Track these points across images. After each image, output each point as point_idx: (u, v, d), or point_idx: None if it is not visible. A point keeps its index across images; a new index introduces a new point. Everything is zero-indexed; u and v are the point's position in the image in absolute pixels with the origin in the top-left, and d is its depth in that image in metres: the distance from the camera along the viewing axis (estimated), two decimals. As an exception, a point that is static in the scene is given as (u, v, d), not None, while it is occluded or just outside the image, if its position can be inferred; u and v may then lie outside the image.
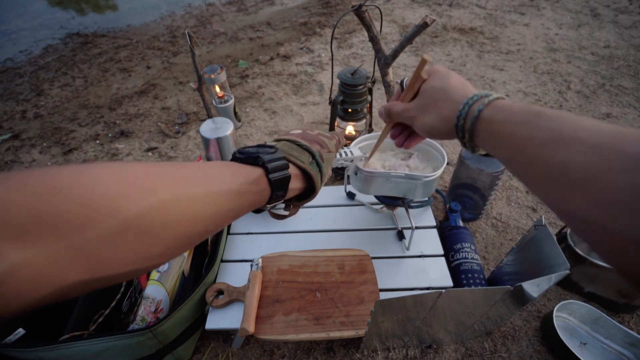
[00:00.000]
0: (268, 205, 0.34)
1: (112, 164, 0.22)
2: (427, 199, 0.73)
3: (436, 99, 0.34)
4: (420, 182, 0.56)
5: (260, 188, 0.31)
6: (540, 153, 0.23)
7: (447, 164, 0.81)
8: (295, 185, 0.35)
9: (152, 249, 0.22)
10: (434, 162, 0.62)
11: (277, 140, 0.39)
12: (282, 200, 0.35)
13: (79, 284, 0.18)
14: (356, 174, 0.57)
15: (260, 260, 0.61)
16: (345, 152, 0.51)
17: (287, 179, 0.33)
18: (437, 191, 0.78)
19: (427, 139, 0.61)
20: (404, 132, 0.44)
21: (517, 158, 0.25)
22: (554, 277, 0.43)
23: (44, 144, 1.11)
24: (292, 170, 0.34)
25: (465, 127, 0.30)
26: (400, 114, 0.38)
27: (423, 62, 0.35)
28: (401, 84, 0.41)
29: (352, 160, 0.52)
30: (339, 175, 0.92)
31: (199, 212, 0.25)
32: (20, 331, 0.50)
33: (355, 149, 0.53)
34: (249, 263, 0.63)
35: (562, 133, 0.22)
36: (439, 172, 0.56)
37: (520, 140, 0.25)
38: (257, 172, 0.31)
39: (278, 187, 0.32)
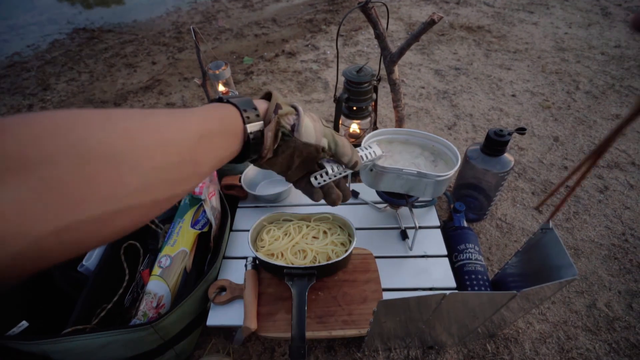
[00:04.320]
0: (265, 148, 0.34)
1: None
2: (431, 198, 0.73)
3: None
4: (431, 180, 0.56)
5: (231, 114, 0.31)
6: None
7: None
8: (262, 105, 0.34)
9: (128, 179, 0.20)
10: (447, 162, 0.61)
11: None
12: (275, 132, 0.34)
13: (55, 233, 0.16)
14: (371, 170, 0.56)
15: (252, 260, 0.61)
16: (369, 153, 0.48)
17: (249, 101, 0.33)
18: (441, 191, 0.77)
19: (439, 138, 0.61)
20: None
21: None
22: (563, 283, 0.42)
23: (50, 138, 1.12)
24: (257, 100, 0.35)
25: None
26: None
27: None
28: None
29: (375, 160, 0.50)
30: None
31: (168, 138, 0.23)
32: (24, 324, 0.51)
33: (376, 148, 0.50)
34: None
35: None
36: (452, 172, 0.56)
37: None
38: (222, 105, 0.32)
39: (242, 104, 0.32)
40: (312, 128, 0.36)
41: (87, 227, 0.18)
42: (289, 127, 0.35)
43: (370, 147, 0.49)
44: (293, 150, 0.36)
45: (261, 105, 0.34)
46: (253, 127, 0.32)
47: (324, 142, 0.38)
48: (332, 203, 0.43)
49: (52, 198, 0.16)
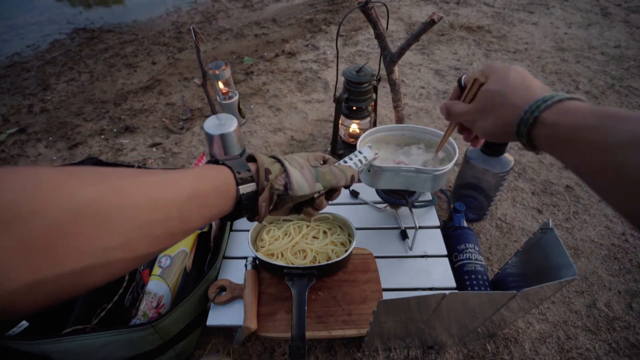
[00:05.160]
0: (262, 206, 0.35)
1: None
2: (431, 198, 0.73)
3: (494, 104, 0.32)
4: (429, 175, 0.56)
5: (223, 174, 0.32)
6: (615, 157, 0.21)
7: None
8: (253, 168, 0.36)
9: (110, 237, 0.20)
10: (446, 154, 0.61)
11: None
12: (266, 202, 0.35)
13: (30, 286, 0.16)
14: (369, 170, 0.56)
15: (252, 260, 0.61)
16: (361, 159, 0.49)
17: (243, 163, 0.34)
18: (441, 191, 0.77)
19: (434, 130, 0.62)
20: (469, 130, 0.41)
21: (588, 163, 0.24)
22: (563, 283, 0.42)
23: (50, 139, 1.12)
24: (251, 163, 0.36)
25: (535, 133, 0.28)
26: (459, 115, 0.37)
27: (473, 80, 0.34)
28: (459, 81, 0.38)
29: (369, 165, 0.51)
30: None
31: (156, 196, 0.23)
32: (24, 324, 0.51)
33: (366, 151, 0.50)
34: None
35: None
36: (450, 165, 0.55)
37: (591, 144, 0.23)
38: (216, 166, 0.33)
39: (236, 167, 0.33)
40: (303, 180, 0.37)
41: (64, 280, 0.18)
42: (281, 188, 0.36)
43: (361, 153, 0.50)
44: (291, 203, 0.38)
45: (252, 167, 0.35)
46: (246, 188, 0.33)
47: (318, 187, 0.39)
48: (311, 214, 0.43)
49: (30, 253, 0.16)
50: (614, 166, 0.21)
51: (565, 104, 0.27)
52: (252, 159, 0.37)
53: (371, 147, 0.52)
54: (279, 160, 0.37)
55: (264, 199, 0.35)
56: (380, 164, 0.56)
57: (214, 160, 0.34)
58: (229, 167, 0.33)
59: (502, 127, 0.31)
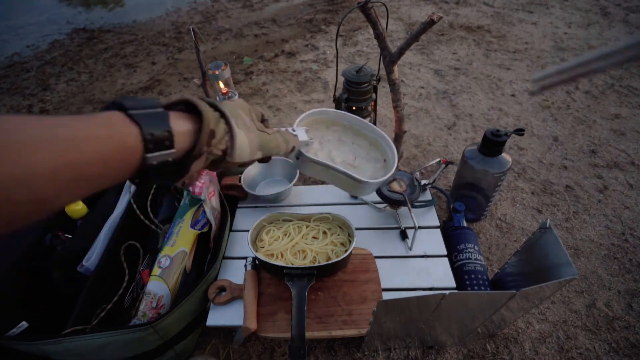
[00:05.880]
0: (194, 166, 0.27)
1: None
2: (430, 198, 0.73)
3: None
4: (360, 184, 0.49)
5: (123, 136, 0.22)
6: None
7: (450, 164, 0.80)
8: (182, 125, 0.26)
9: None
10: (387, 162, 0.53)
11: None
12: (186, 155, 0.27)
13: None
14: (297, 158, 0.47)
15: (252, 260, 0.61)
16: (287, 130, 0.41)
17: (162, 117, 0.25)
18: (441, 191, 0.77)
19: (388, 139, 0.52)
20: None
21: None
22: (563, 283, 0.43)
23: (50, 139, 1.12)
24: (174, 112, 0.27)
25: None
26: None
27: None
28: None
29: (298, 151, 0.43)
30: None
31: (34, 138, 0.18)
32: (24, 324, 0.51)
33: (301, 133, 0.43)
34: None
35: None
36: (383, 179, 0.49)
37: None
38: (114, 119, 0.23)
39: (149, 124, 0.23)
40: (247, 145, 0.31)
41: None
42: (220, 153, 0.29)
43: (294, 132, 0.43)
44: (222, 168, 0.32)
45: (180, 124, 0.26)
46: (159, 157, 0.24)
47: (258, 155, 0.34)
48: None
49: None
50: None
51: None
52: (187, 106, 0.28)
53: (308, 130, 0.46)
54: (223, 115, 0.29)
55: (198, 166, 0.28)
56: (313, 152, 0.49)
57: (116, 103, 0.24)
58: (137, 122, 0.23)
59: None
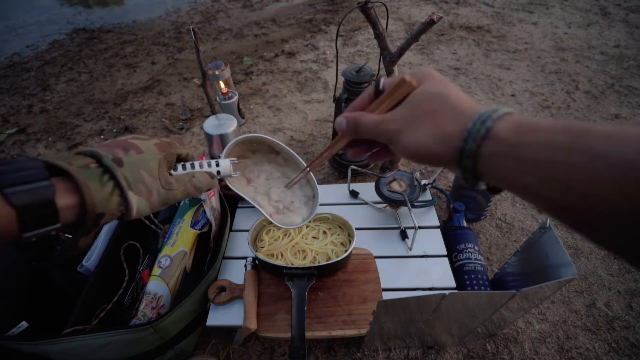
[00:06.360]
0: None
1: None
2: (430, 198, 0.73)
3: (433, 109, 0.23)
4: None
5: None
6: (597, 191, 0.16)
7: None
8: (68, 200, 0.24)
9: None
10: (306, 201, 0.54)
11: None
12: (63, 226, 0.25)
13: None
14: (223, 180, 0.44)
15: (252, 260, 0.61)
16: (210, 163, 0.39)
17: (42, 190, 0.23)
18: (441, 191, 0.77)
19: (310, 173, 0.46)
20: (363, 146, 0.30)
21: (559, 193, 0.18)
22: (562, 283, 0.43)
23: (50, 139, 1.12)
24: (61, 183, 0.25)
25: (484, 152, 0.21)
26: (373, 127, 0.26)
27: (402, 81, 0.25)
28: (376, 86, 0.27)
29: (219, 176, 0.41)
30: (342, 173, 0.91)
31: None
32: (24, 324, 0.51)
33: (225, 165, 0.41)
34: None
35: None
36: (295, 225, 0.51)
37: (575, 170, 0.17)
38: None
39: (28, 205, 0.22)
40: (146, 206, 0.30)
41: None
42: (118, 214, 0.28)
43: (218, 166, 0.41)
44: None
45: (68, 196, 0.25)
46: (38, 234, 0.24)
47: (162, 208, 0.32)
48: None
49: None
50: (595, 200, 0.16)
51: (512, 116, 0.21)
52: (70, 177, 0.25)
53: (235, 161, 0.43)
54: (118, 185, 0.27)
55: (86, 241, 0.28)
56: (238, 184, 0.49)
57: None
58: (13, 205, 0.22)
59: (440, 139, 0.23)
